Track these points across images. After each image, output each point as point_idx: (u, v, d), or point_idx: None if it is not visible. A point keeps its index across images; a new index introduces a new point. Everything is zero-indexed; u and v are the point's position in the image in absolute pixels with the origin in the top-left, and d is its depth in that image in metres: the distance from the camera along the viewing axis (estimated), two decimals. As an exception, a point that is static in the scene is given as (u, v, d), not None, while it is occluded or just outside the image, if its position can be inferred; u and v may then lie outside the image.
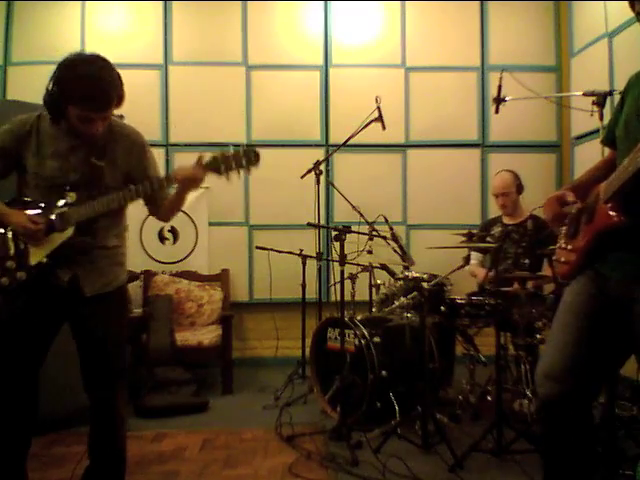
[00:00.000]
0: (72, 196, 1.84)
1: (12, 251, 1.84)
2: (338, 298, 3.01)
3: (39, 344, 1.90)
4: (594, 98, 2.69)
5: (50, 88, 1.76)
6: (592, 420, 1.68)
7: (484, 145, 4.64)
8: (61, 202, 1.84)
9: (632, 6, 1.49)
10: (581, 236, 1.57)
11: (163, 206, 2.02)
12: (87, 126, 1.78)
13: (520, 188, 3.54)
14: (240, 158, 1.80)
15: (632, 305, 1.47)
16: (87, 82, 1.70)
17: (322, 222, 4.34)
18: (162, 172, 2.08)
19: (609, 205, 1.44)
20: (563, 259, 1.64)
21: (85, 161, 1.87)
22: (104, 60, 1.77)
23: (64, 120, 1.81)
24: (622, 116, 1.59)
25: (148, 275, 4.26)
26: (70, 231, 1.84)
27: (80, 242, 1.86)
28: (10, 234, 1.85)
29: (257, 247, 4.19)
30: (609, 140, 1.69)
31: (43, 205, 1.84)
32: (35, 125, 1.85)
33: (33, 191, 1.87)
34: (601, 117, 2.65)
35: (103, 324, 1.92)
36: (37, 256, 1.84)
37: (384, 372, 2.93)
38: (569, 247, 1.62)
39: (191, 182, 1.86)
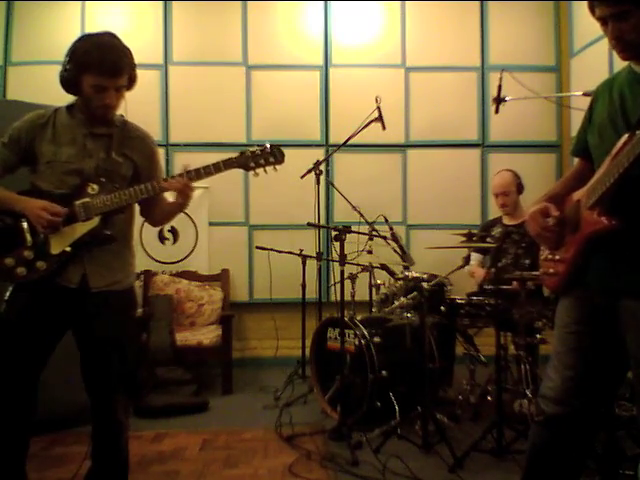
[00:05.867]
0: (94, 188, 1.85)
1: (29, 241, 1.82)
2: (338, 298, 3.01)
3: (42, 349, 1.88)
4: (594, 98, 2.69)
5: (65, 64, 1.82)
6: (593, 436, 1.67)
7: (484, 145, 4.64)
8: (84, 192, 1.84)
9: (592, 12, 1.46)
10: (568, 245, 1.55)
11: (156, 211, 2.03)
12: (101, 96, 1.82)
13: (520, 188, 3.53)
14: (267, 155, 1.88)
15: (619, 313, 1.46)
16: (100, 49, 1.78)
17: (322, 222, 4.33)
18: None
19: (596, 211, 1.43)
20: (552, 270, 1.62)
21: (101, 148, 1.89)
22: (115, 35, 1.86)
23: (80, 97, 1.86)
24: (593, 124, 1.59)
25: (148, 275, 4.26)
26: (95, 221, 1.84)
27: (103, 234, 1.86)
28: (25, 224, 1.82)
29: (257, 247, 4.19)
30: (580, 150, 1.68)
31: (63, 194, 1.84)
32: (52, 117, 1.90)
33: (47, 180, 1.85)
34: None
35: (108, 325, 1.90)
36: (60, 245, 1.83)
37: (384, 372, 2.93)
38: (556, 257, 1.59)
39: (181, 193, 1.88)
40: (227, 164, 1.87)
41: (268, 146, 1.89)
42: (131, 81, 1.90)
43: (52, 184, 1.85)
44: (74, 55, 1.81)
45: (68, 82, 1.84)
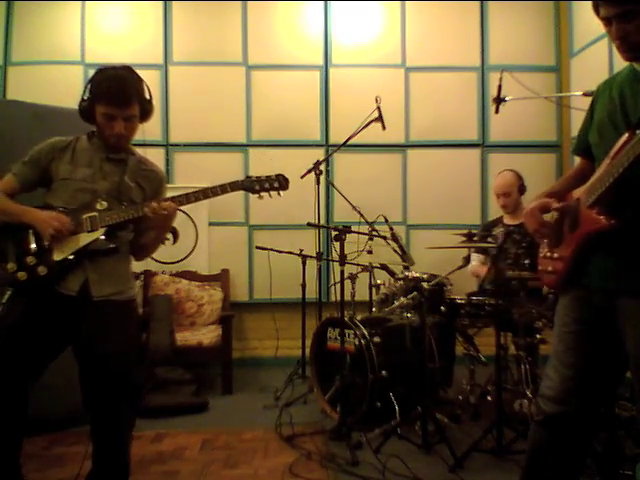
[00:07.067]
0: (103, 204, 1.91)
1: (33, 248, 1.87)
2: (338, 298, 3.01)
3: (37, 355, 1.87)
4: (594, 98, 2.69)
5: (83, 95, 1.93)
6: (593, 436, 1.68)
7: (484, 145, 4.64)
8: (93, 207, 1.90)
9: (597, 12, 1.46)
10: (567, 243, 1.54)
11: (141, 240, 2.09)
12: (111, 125, 1.88)
13: (522, 188, 3.52)
14: (273, 181, 2.02)
15: (617, 312, 1.46)
16: (112, 80, 1.88)
17: (322, 222, 4.33)
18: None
19: (595, 210, 1.43)
20: (550, 268, 1.62)
21: (117, 173, 1.96)
22: (132, 70, 1.95)
23: (95, 126, 1.95)
24: (594, 123, 1.59)
25: (148, 275, 4.26)
26: (100, 232, 1.89)
27: (107, 245, 1.91)
28: (32, 234, 1.87)
29: (257, 247, 4.19)
30: (581, 149, 1.68)
31: (72, 208, 1.89)
32: (73, 142, 1.98)
33: (59, 197, 1.91)
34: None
35: (110, 340, 1.89)
36: (63, 253, 1.87)
37: (384, 372, 2.93)
38: (555, 255, 1.59)
39: (161, 216, 1.94)
40: (233, 186, 1.98)
41: (274, 174, 2.03)
42: (145, 114, 1.96)
43: (64, 201, 1.90)
44: (91, 86, 1.91)
45: (85, 111, 1.93)
